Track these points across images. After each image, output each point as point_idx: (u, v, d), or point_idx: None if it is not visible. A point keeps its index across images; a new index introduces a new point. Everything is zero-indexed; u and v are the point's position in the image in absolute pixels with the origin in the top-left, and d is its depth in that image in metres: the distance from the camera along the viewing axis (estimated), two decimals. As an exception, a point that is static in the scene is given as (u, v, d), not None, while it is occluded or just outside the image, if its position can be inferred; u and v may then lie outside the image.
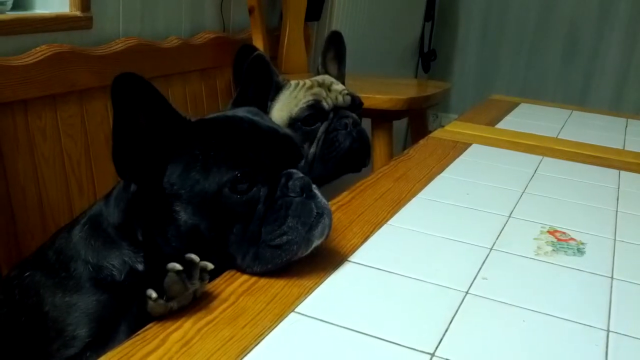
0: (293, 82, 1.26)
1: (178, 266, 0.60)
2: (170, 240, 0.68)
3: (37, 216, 1.27)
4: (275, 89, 1.21)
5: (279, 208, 0.69)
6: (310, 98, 1.21)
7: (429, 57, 3.50)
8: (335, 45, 1.32)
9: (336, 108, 1.23)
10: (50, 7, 1.43)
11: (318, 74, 1.32)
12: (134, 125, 0.66)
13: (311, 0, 2.18)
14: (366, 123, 1.77)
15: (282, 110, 1.17)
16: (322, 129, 1.19)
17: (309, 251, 0.70)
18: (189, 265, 0.61)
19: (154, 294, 0.58)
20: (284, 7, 2.09)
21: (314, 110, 1.19)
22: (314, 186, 0.72)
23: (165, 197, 0.68)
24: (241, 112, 0.77)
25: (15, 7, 1.40)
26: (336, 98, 1.23)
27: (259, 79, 0.89)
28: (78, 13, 1.44)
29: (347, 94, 1.27)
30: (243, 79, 0.90)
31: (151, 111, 0.66)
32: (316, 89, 1.24)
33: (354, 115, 1.26)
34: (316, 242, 0.71)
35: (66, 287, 0.69)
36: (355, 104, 1.28)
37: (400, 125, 2.27)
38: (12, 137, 1.25)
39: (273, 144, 0.72)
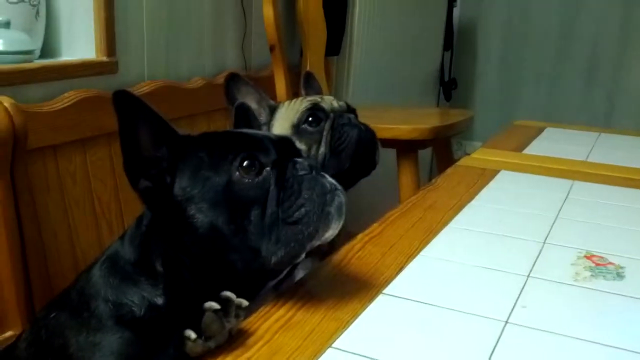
0: (285, 102, 1.27)
1: (215, 305, 0.59)
2: (191, 251, 0.68)
3: (69, 259, 1.28)
4: (270, 112, 1.22)
5: (292, 185, 0.69)
6: (308, 104, 1.21)
7: (450, 86, 3.51)
8: (310, 85, 1.34)
9: (334, 111, 1.22)
10: (77, 54, 1.46)
11: None
12: (136, 137, 0.68)
13: (330, 36, 2.21)
14: (391, 154, 1.77)
15: (282, 125, 1.17)
16: (327, 126, 1.18)
17: (329, 231, 0.69)
18: (224, 303, 0.61)
19: (193, 335, 0.58)
20: (303, 43, 2.11)
21: (315, 111, 1.19)
22: None
23: (179, 205, 0.69)
24: None
25: (42, 55, 1.43)
26: (331, 103, 1.23)
27: (246, 124, 0.91)
28: (104, 58, 1.47)
29: (340, 102, 1.27)
30: (233, 124, 0.91)
31: (150, 125, 0.69)
32: (310, 98, 1.24)
33: (352, 115, 1.25)
34: (335, 219, 0.69)
35: (89, 326, 0.69)
36: (350, 108, 1.27)
37: (425, 155, 2.27)
38: (43, 181, 1.26)
39: (274, 139, 0.74)
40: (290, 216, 0.68)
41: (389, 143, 1.65)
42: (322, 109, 1.18)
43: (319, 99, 1.20)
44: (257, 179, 0.68)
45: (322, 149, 1.15)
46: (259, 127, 1.18)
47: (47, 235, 1.26)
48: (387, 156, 1.45)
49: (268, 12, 1.83)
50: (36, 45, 1.36)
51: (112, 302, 0.69)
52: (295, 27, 2.15)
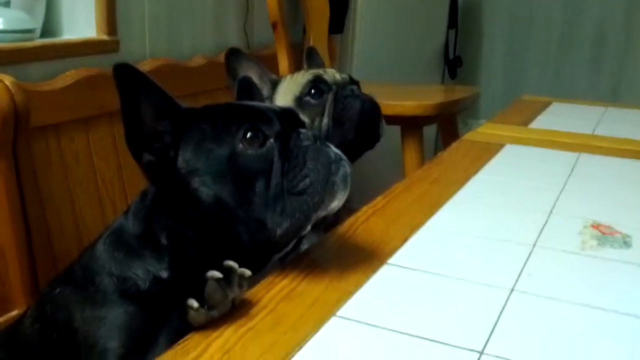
0: (287, 75, 1.25)
1: (218, 274, 0.59)
2: (196, 224, 0.68)
3: (73, 237, 1.28)
4: (272, 86, 1.21)
5: (296, 155, 0.68)
6: (310, 76, 1.20)
7: (455, 64, 3.48)
8: (313, 60, 1.33)
9: (336, 83, 1.21)
10: (78, 33, 1.45)
11: None
12: (138, 111, 0.67)
13: (334, 14, 2.19)
14: (396, 130, 1.76)
15: (285, 98, 1.16)
16: (330, 98, 1.17)
17: (335, 201, 0.69)
18: (227, 272, 0.60)
19: (195, 304, 0.58)
20: (306, 21, 2.10)
21: (318, 83, 1.18)
22: None
23: (183, 178, 0.68)
24: None
25: (43, 35, 1.42)
26: (333, 75, 1.21)
27: (248, 99, 0.90)
28: (105, 37, 1.46)
29: (343, 74, 1.26)
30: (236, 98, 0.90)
31: (152, 98, 0.68)
32: (313, 70, 1.23)
33: (355, 87, 1.23)
34: (340, 189, 0.69)
35: (94, 301, 0.68)
36: (352, 81, 1.26)
37: (430, 133, 2.25)
38: (45, 160, 1.26)
39: (277, 110, 0.73)
40: (295, 186, 0.67)
41: (393, 120, 1.64)
42: (325, 81, 1.16)
43: (322, 72, 1.19)
44: (260, 150, 0.68)
45: (325, 121, 1.14)
46: (261, 101, 1.17)
47: (50, 214, 1.25)
48: (391, 133, 1.44)
49: (269, -13, 1.81)
50: (37, 24, 1.35)
51: (117, 276, 0.69)
52: (298, 4, 2.13)
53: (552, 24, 3.44)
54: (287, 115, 0.73)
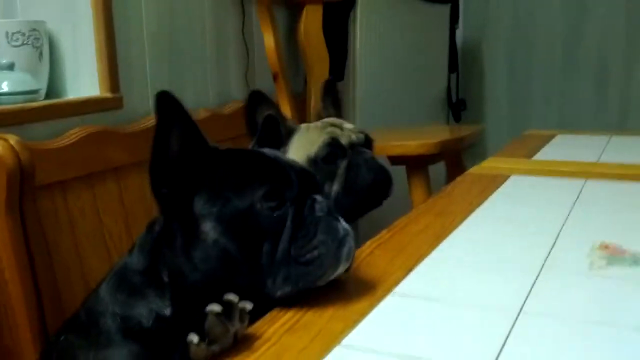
0: (303, 126, 1.26)
1: (217, 308, 0.58)
2: (198, 267, 0.68)
3: (82, 293, 1.27)
4: (287, 134, 1.21)
5: (309, 224, 0.69)
6: (326, 136, 1.20)
7: (459, 107, 3.50)
8: (331, 93, 1.34)
9: (352, 144, 1.22)
10: (82, 92, 1.48)
11: (319, 119, 1.32)
12: (169, 141, 0.68)
13: (333, 62, 2.22)
14: (401, 171, 1.76)
15: (297, 152, 1.16)
16: (343, 165, 1.17)
17: (335, 274, 0.70)
18: (227, 306, 0.59)
19: (196, 339, 0.57)
20: (307, 70, 2.13)
21: (333, 148, 1.18)
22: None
23: (195, 218, 0.68)
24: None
25: (48, 96, 1.45)
26: (349, 136, 1.22)
27: (272, 137, 0.91)
28: (108, 95, 1.48)
29: (360, 132, 1.26)
30: (257, 137, 0.91)
31: (184, 130, 0.69)
32: (330, 129, 1.24)
33: (370, 152, 1.24)
34: (343, 264, 0.70)
35: (98, 343, 0.68)
36: (369, 141, 1.26)
37: (439, 172, 2.25)
38: (52, 217, 1.26)
39: (298, 171, 0.74)
40: (303, 256, 0.68)
41: (398, 160, 1.65)
42: (340, 146, 1.16)
43: (339, 132, 1.19)
44: (276, 213, 0.69)
45: (335, 187, 1.14)
46: (288, 130, 1.17)
47: (59, 271, 1.25)
48: (397, 174, 1.44)
49: (269, 40, 1.85)
50: (41, 85, 1.38)
51: (120, 316, 0.69)
52: (297, 54, 2.17)
53: (552, 58, 3.47)
54: (305, 178, 0.74)
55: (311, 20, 2.11)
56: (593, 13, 3.35)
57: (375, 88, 2.61)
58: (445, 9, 3.28)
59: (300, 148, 1.18)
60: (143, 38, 1.58)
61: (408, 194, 1.74)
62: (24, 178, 1.17)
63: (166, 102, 0.67)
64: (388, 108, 2.73)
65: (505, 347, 0.58)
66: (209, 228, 0.68)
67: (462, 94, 3.56)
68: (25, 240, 1.19)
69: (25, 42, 1.39)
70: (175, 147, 0.69)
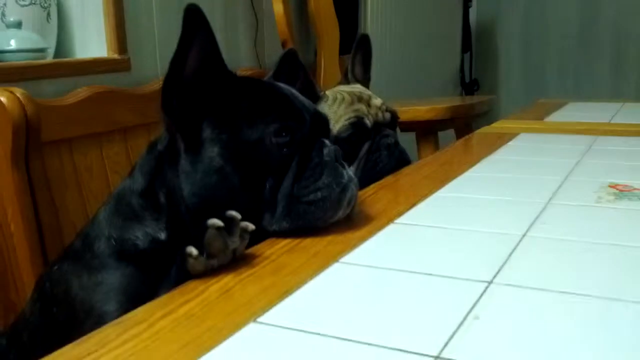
0: (330, 95, 1.24)
1: (219, 222, 0.57)
2: (197, 190, 0.67)
3: (88, 248, 1.27)
4: (313, 100, 1.19)
5: (315, 166, 0.69)
6: (352, 115, 1.18)
7: (472, 87, 3.48)
8: (363, 49, 1.31)
9: (377, 125, 1.20)
10: (90, 54, 1.48)
11: (346, 76, 1.31)
12: (187, 57, 0.66)
13: (344, 34, 2.21)
14: (410, 137, 1.74)
15: None
16: (365, 148, 1.15)
17: (334, 218, 0.69)
18: (229, 222, 0.58)
19: (194, 251, 0.56)
20: (317, 42, 2.11)
21: (357, 129, 1.16)
22: None
23: (202, 141, 0.67)
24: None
25: (56, 56, 1.45)
26: (376, 114, 1.20)
27: (289, 73, 0.90)
28: (116, 56, 1.48)
29: (387, 110, 1.24)
30: (274, 70, 0.90)
31: (205, 49, 0.67)
32: (357, 105, 1.21)
33: (394, 134, 1.23)
34: (343, 209, 0.69)
35: (91, 267, 0.67)
36: (394, 119, 1.24)
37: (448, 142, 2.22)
38: (60, 174, 1.26)
39: (312, 111, 0.73)
40: (306, 196, 0.68)
41: (407, 125, 1.63)
42: (365, 128, 1.13)
43: (365, 110, 1.16)
44: (285, 150, 0.68)
45: (352, 168, 1.12)
46: (315, 96, 1.13)
47: (65, 226, 1.25)
48: (406, 140, 1.42)
49: (278, 7, 1.84)
50: (48, 44, 1.38)
51: (115, 239, 0.68)
52: (308, 26, 2.16)
53: (568, 36, 3.42)
54: (318, 121, 0.73)
55: (321, -8, 2.09)
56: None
57: (386, 67, 2.58)
58: (459, -14, 3.26)
59: None
60: (152, 1, 1.57)
61: (417, 160, 1.73)
62: (30, 131, 1.17)
63: (193, 18, 0.65)
64: (399, 88, 2.71)
65: (505, 265, 0.57)
66: (215, 153, 0.67)
67: (476, 73, 3.53)
68: (31, 194, 1.19)
69: (33, 2, 1.39)
70: (193, 64, 0.67)
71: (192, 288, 0.54)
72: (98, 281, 0.66)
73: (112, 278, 0.66)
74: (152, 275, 0.64)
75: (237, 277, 0.56)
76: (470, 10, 3.42)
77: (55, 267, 0.72)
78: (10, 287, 1.19)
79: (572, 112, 1.59)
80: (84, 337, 0.46)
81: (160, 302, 0.52)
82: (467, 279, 0.53)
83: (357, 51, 1.31)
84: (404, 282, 0.53)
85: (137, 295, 0.63)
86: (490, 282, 0.52)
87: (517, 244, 0.61)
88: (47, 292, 0.72)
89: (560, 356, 0.40)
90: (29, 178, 1.19)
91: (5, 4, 1.37)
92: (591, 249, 0.60)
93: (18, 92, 1.16)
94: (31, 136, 1.18)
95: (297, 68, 0.92)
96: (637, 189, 0.81)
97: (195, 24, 0.66)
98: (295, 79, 0.93)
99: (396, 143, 1.19)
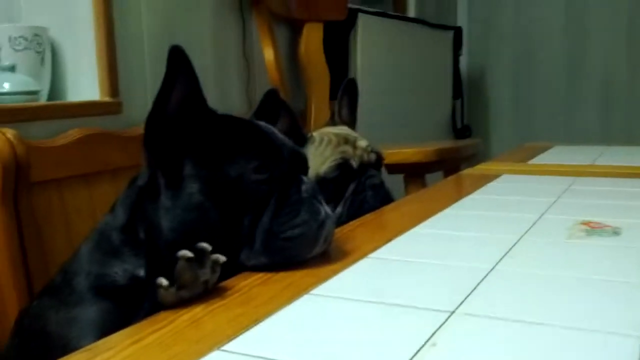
0: (317, 137, 1.26)
1: (189, 253, 0.59)
2: (176, 226, 0.68)
3: (75, 288, 1.28)
4: (300, 141, 1.22)
5: (293, 203, 0.70)
6: (339, 156, 1.20)
7: (464, 133, 3.52)
8: (349, 92, 1.35)
9: (362, 165, 1.22)
10: (82, 97, 1.51)
11: (333, 118, 1.33)
12: (170, 97, 0.68)
13: (335, 80, 2.25)
14: (398, 179, 1.76)
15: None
16: (351, 189, 1.17)
17: (311, 254, 0.70)
18: (200, 254, 0.60)
19: (164, 282, 0.57)
20: (307, 88, 2.16)
21: (343, 170, 1.18)
22: None
23: (182, 178, 0.69)
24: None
25: (49, 98, 1.48)
26: (362, 156, 1.22)
27: (271, 112, 0.92)
28: (107, 99, 1.51)
29: (372, 151, 1.27)
30: (256, 109, 0.92)
31: (187, 89, 0.69)
32: (343, 147, 1.24)
33: (379, 174, 1.25)
34: (320, 246, 0.71)
35: (68, 302, 0.68)
36: (380, 159, 1.27)
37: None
38: (48, 215, 1.28)
39: (290, 149, 0.75)
40: (284, 232, 0.69)
41: (395, 168, 1.65)
42: (351, 169, 1.16)
43: (351, 152, 1.19)
44: (264, 187, 0.70)
45: (339, 209, 1.14)
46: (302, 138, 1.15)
47: (53, 267, 1.25)
48: (394, 182, 1.44)
49: (269, 54, 1.88)
50: (41, 87, 1.41)
51: (94, 275, 0.69)
52: (298, 73, 2.20)
53: (556, 84, 3.49)
54: (296, 158, 0.76)
55: (312, 38, 2.15)
56: (595, 37, 3.38)
57: (376, 112, 2.62)
58: (449, 35, 3.32)
59: (310, 163, 1.18)
60: (143, 47, 1.61)
61: (406, 203, 1.75)
62: (20, 171, 1.19)
63: (176, 58, 0.68)
64: (390, 133, 2.74)
65: (470, 296, 0.58)
66: (195, 190, 0.69)
67: (467, 120, 3.58)
68: (19, 235, 1.20)
69: (27, 46, 1.42)
70: (176, 102, 0.69)
71: (163, 318, 0.55)
72: (74, 316, 0.67)
73: (89, 313, 0.66)
74: (129, 311, 0.65)
75: (207, 307, 0.57)
76: (461, 58, 3.48)
77: (35, 303, 0.73)
78: (-5, 327, 1.19)
79: (557, 155, 1.61)
80: (53, 363, 0.47)
81: (131, 330, 0.53)
82: (430, 309, 0.54)
83: (343, 94, 1.35)
84: (368, 312, 0.55)
85: (113, 330, 0.64)
86: (452, 312, 0.53)
87: (484, 277, 0.63)
88: (25, 328, 0.73)
89: (510, 379, 0.41)
90: (17, 217, 1.20)
91: (0, 49, 1.41)
92: (556, 281, 0.61)
93: (9, 132, 1.19)
94: (20, 176, 1.20)
95: (278, 107, 0.95)
96: (609, 226, 0.82)
97: (178, 64, 0.68)
98: (277, 117, 0.96)
99: (382, 183, 1.21)
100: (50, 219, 1.29)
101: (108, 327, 0.65)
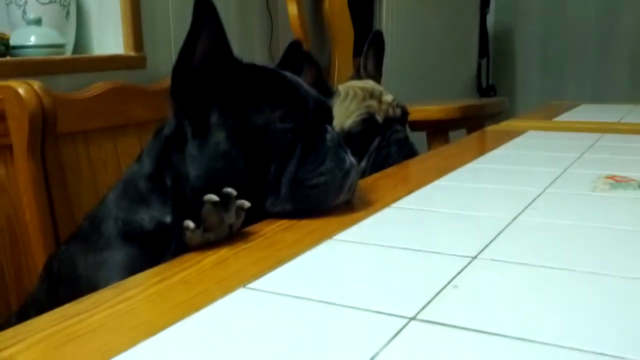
0: (342, 91, 1.25)
1: (215, 197, 0.59)
2: (203, 174, 0.69)
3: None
4: (326, 94, 1.21)
5: (319, 151, 0.71)
6: (364, 111, 1.20)
7: (488, 93, 3.48)
8: (375, 45, 1.33)
9: (387, 120, 1.22)
10: (107, 50, 1.52)
11: (358, 72, 1.33)
12: (195, 46, 0.68)
13: (359, 36, 2.23)
14: (421, 136, 1.76)
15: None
16: (375, 144, 1.17)
17: (336, 202, 0.71)
18: (225, 198, 0.61)
19: (191, 224, 0.58)
20: (332, 44, 2.14)
21: (368, 124, 1.18)
22: None
23: (209, 126, 0.69)
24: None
25: (75, 52, 1.49)
26: (387, 110, 1.22)
27: (294, 64, 0.92)
28: (132, 53, 1.52)
29: (397, 106, 1.26)
30: (280, 60, 0.92)
31: (212, 38, 0.69)
32: (368, 101, 1.23)
33: (404, 129, 1.24)
34: (344, 194, 0.72)
35: (97, 247, 0.69)
36: (404, 115, 1.26)
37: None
38: (74, 166, 1.30)
39: (315, 98, 0.75)
40: (309, 179, 0.70)
41: (418, 125, 1.64)
42: (375, 123, 1.15)
43: (376, 106, 1.18)
44: (290, 135, 0.70)
45: (363, 163, 1.14)
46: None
47: (79, 217, 1.28)
48: (417, 140, 1.44)
49: (292, 9, 1.87)
50: (67, 40, 1.42)
51: (122, 221, 0.70)
52: (323, 30, 2.18)
53: (586, 43, 3.41)
54: (321, 107, 0.76)
55: (336, -7, 2.12)
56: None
57: (401, 71, 2.60)
58: (476, -8, 3.27)
59: (336, 117, 1.18)
60: (168, 1, 1.61)
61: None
62: (47, 122, 1.21)
63: (202, 7, 0.68)
64: (414, 93, 2.72)
65: (492, 243, 0.58)
66: (221, 138, 0.69)
67: (492, 79, 3.54)
68: (46, 185, 1.23)
69: (53, 0, 1.43)
70: (202, 52, 0.69)
71: (189, 259, 0.56)
72: (102, 260, 0.68)
73: (117, 257, 0.68)
74: (156, 255, 0.66)
75: (232, 250, 0.58)
76: (488, 15, 3.42)
77: (63, 248, 0.75)
78: (24, 274, 1.22)
79: (583, 113, 1.59)
80: (83, 298, 0.48)
81: (157, 269, 0.55)
82: (451, 255, 0.55)
83: (369, 47, 1.33)
84: (390, 256, 0.55)
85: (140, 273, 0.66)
86: (474, 257, 0.54)
87: (507, 226, 0.63)
88: (54, 272, 0.75)
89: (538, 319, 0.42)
90: (44, 168, 1.22)
91: (26, 2, 1.41)
92: (579, 230, 0.61)
93: (35, 84, 1.20)
94: (47, 127, 1.21)
95: (302, 59, 0.94)
96: (634, 180, 0.82)
97: (204, 13, 0.68)
98: (300, 69, 0.95)
99: (406, 138, 1.21)
100: (76, 170, 1.31)
101: (135, 270, 0.66)
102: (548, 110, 1.69)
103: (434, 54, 2.91)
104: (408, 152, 1.17)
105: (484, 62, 3.46)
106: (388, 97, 1.24)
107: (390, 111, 1.20)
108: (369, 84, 1.32)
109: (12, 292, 1.20)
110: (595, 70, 3.42)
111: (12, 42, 1.34)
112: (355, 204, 0.74)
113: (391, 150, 1.16)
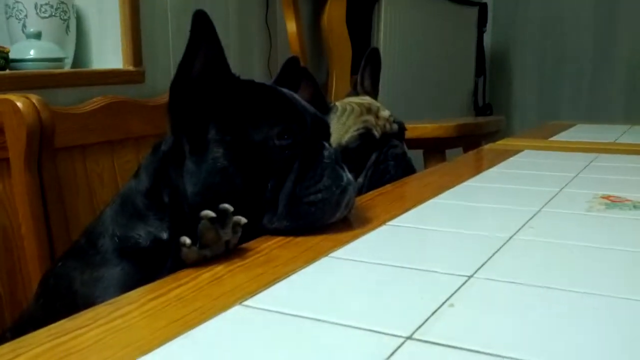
0: (340, 106, 1.26)
1: (211, 213, 0.60)
2: (201, 191, 0.69)
3: (97, 253, 1.30)
4: (322, 110, 1.21)
5: (316, 168, 0.71)
6: (361, 126, 1.20)
7: (485, 111, 3.50)
8: (372, 62, 1.34)
9: (385, 135, 1.22)
10: (106, 65, 1.52)
11: (355, 88, 1.33)
12: (194, 62, 0.69)
13: (357, 54, 2.24)
14: (417, 154, 1.76)
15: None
16: (372, 158, 1.17)
17: (332, 219, 0.71)
18: (222, 214, 0.61)
19: (188, 241, 0.58)
20: (330, 61, 2.15)
21: (365, 139, 1.18)
22: None
23: (207, 143, 0.69)
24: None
25: (74, 66, 1.50)
26: (384, 126, 1.22)
27: (291, 80, 0.92)
28: (131, 68, 1.52)
29: (394, 122, 1.27)
30: (277, 76, 0.93)
31: (210, 54, 0.69)
32: (365, 116, 1.23)
33: (402, 145, 1.25)
34: (341, 211, 0.72)
35: (93, 263, 0.69)
36: (402, 130, 1.27)
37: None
38: (71, 180, 1.30)
39: (312, 115, 0.76)
40: (306, 196, 0.70)
41: (414, 143, 1.65)
42: (373, 138, 1.16)
43: (373, 122, 1.19)
44: (287, 152, 0.71)
45: (360, 179, 1.14)
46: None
47: (75, 232, 1.28)
48: (413, 157, 1.44)
49: (291, 26, 1.88)
50: (66, 54, 1.42)
51: (118, 237, 0.70)
52: (321, 48, 2.20)
53: (583, 63, 3.43)
54: (318, 124, 0.76)
55: (335, 11, 2.14)
56: (624, 18, 3.31)
57: (397, 89, 2.61)
58: (473, 11, 3.29)
59: (333, 132, 1.19)
60: (167, 17, 1.62)
61: (425, 179, 1.75)
62: (44, 136, 1.21)
63: (200, 23, 0.68)
64: (411, 111, 2.73)
65: (488, 262, 0.59)
66: (219, 154, 0.69)
67: (489, 98, 3.55)
68: (43, 199, 1.22)
69: (53, 14, 1.44)
70: (199, 67, 0.69)
71: (185, 275, 0.56)
72: (99, 276, 0.68)
73: (113, 273, 0.68)
74: (152, 272, 0.66)
75: (228, 266, 0.58)
76: (485, 34, 3.45)
77: (60, 264, 0.75)
78: (18, 287, 1.22)
79: (579, 133, 1.60)
80: (79, 314, 0.48)
81: (153, 286, 0.55)
82: (448, 273, 0.55)
83: (366, 64, 1.34)
84: (387, 274, 0.55)
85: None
86: (470, 277, 0.54)
87: (503, 245, 0.63)
88: (51, 288, 0.74)
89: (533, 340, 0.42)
90: (41, 182, 1.22)
91: (26, 16, 1.42)
92: (575, 250, 0.62)
93: (34, 98, 1.20)
94: (45, 141, 1.21)
95: (299, 75, 0.95)
96: (629, 200, 0.82)
97: (202, 29, 0.69)
98: (298, 86, 0.96)
99: (404, 153, 1.21)
100: (73, 184, 1.31)
101: (132, 286, 0.66)
102: (544, 130, 1.70)
103: (430, 72, 2.92)
104: (406, 167, 1.17)
105: (480, 80, 3.48)
106: (385, 113, 1.25)
107: (388, 126, 1.20)
108: (366, 99, 1.32)
109: (7, 307, 1.19)
110: (591, 91, 3.44)
111: (11, 56, 1.35)
112: (352, 221, 0.74)
113: (389, 165, 1.16)
